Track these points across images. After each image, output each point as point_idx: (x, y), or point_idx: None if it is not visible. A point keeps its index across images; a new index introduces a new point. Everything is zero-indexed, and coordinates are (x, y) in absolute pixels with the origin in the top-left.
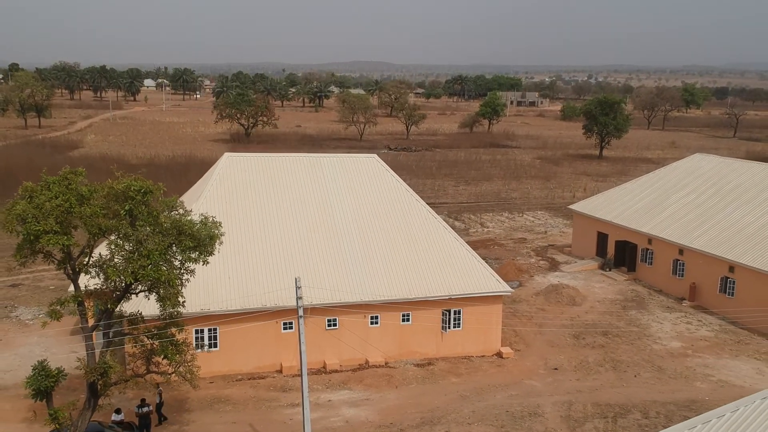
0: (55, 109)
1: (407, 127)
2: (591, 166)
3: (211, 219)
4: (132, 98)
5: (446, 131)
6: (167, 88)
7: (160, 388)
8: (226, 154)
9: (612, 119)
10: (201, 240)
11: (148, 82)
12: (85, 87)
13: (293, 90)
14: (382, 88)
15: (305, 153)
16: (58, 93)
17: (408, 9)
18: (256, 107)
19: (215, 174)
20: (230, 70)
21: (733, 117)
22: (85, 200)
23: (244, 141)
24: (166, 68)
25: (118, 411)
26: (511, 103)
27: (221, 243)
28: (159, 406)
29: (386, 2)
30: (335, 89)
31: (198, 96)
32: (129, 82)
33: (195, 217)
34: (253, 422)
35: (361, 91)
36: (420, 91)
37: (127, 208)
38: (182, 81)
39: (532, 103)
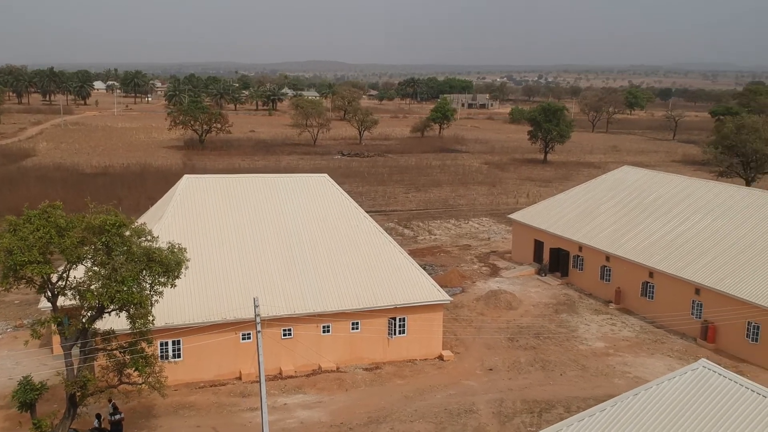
0: (4, 115)
1: (360, 132)
2: (535, 171)
3: (177, 246)
4: (82, 102)
5: (398, 136)
6: (118, 91)
7: (114, 402)
8: (186, 176)
9: (555, 125)
10: (169, 266)
11: (98, 84)
12: (32, 90)
13: (246, 93)
14: (336, 92)
15: (261, 161)
16: (5, 97)
17: (362, 9)
18: (209, 114)
19: (176, 195)
20: (181, 71)
21: (672, 120)
22: (64, 232)
23: (198, 147)
24: (116, 70)
25: (98, 416)
26: (462, 105)
27: (187, 268)
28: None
29: (340, 2)
30: (289, 92)
31: (149, 99)
32: (79, 85)
33: (163, 244)
34: (216, 426)
35: (315, 94)
36: (373, 92)
37: (103, 240)
38: (133, 84)
39: (483, 106)
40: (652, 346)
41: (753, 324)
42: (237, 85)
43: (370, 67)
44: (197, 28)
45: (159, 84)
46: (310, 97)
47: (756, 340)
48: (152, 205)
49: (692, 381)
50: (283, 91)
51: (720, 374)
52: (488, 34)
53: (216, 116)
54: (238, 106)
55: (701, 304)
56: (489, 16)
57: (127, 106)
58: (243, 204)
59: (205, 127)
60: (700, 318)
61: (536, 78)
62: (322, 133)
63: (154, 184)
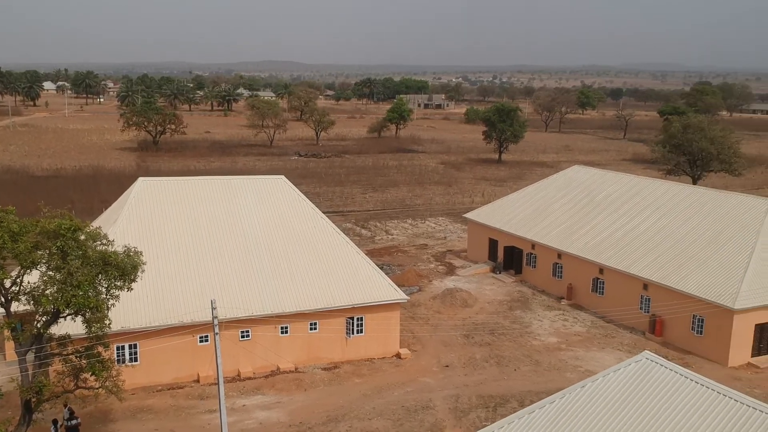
0: None
1: (317, 133)
2: (490, 170)
3: (133, 249)
4: (32, 103)
5: (355, 136)
6: (69, 92)
7: (69, 406)
8: (140, 179)
9: (509, 126)
10: (125, 269)
11: (48, 85)
12: None
13: (201, 93)
14: (292, 92)
15: (216, 162)
16: None
17: (318, 8)
18: (164, 115)
19: (130, 199)
20: (134, 71)
21: (622, 119)
22: (17, 236)
23: (152, 149)
24: (66, 70)
25: (54, 422)
26: (419, 105)
27: (143, 271)
28: (70, 426)
29: (296, 2)
30: (244, 92)
31: (101, 100)
32: (28, 86)
33: (119, 248)
34: (174, 428)
35: (271, 94)
36: (330, 93)
37: (58, 244)
38: (85, 85)
39: (439, 106)
40: (602, 340)
41: (698, 317)
42: (191, 85)
43: (326, 67)
44: (150, 27)
45: (111, 84)
46: (266, 98)
47: (701, 333)
48: (106, 208)
49: (636, 372)
50: (239, 91)
51: (662, 365)
52: (443, 35)
53: (170, 117)
54: (192, 106)
55: (649, 299)
56: (444, 17)
57: (81, 107)
58: (199, 206)
59: (159, 128)
60: (648, 312)
61: (491, 78)
62: (278, 134)
63: (108, 187)
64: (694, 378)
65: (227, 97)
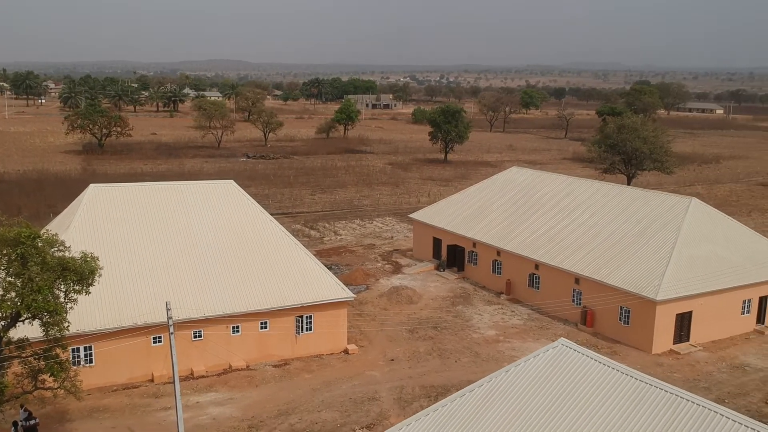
0: None
1: (265, 134)
2: (436, 170)
3: (90, 255)
4: None
5: (303, 137)
6: (8, 93)
7: (26, 407)
8: (92, 185)
9: (454, 126)
10: (83, 274)
11: None
12: None
13: (146, 94)
14: (239, 93)
15: (163, 165)
16: None
17: (265, 6)
18: (109, 117)
19: (82, 205)
20: (75, 70)
21: (564, 119)
22: None
23: (97, 152)
24: (5, 70)
25: (14, 424)
26: (367, 106)
27: (100, 275)
28: (29, 426)
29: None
30: (190, 92)
31: (43, 101)
32: None
33: (76, 253)
34: (131, 426)
35: (218, 94)
36: (278, 93)
37: (19, 251)
38: (25, 85)
39: (387, 106)
40: (537, 332)
41: (624, 308)
42: (136, 86)
43: (273, 67)
44: (91, 25)
45: (52, 85)
46: (212, 99)
47: (627, 323)
48: (53, 212)
49: (553, 357)
50: (185, 91)
51: (575, 350)
52: (391, 34)
53: (116, 120)
54: (137, 108)
55: (581, 292)
56: (391, 16)
57: (24, 110)
58: (150, 212)
59: (104, 130)
60: (580, 305)
61: (438, 78)
62: (226, 135)
63: (54, 191)
64: (602, 360)
65: (173, 98)
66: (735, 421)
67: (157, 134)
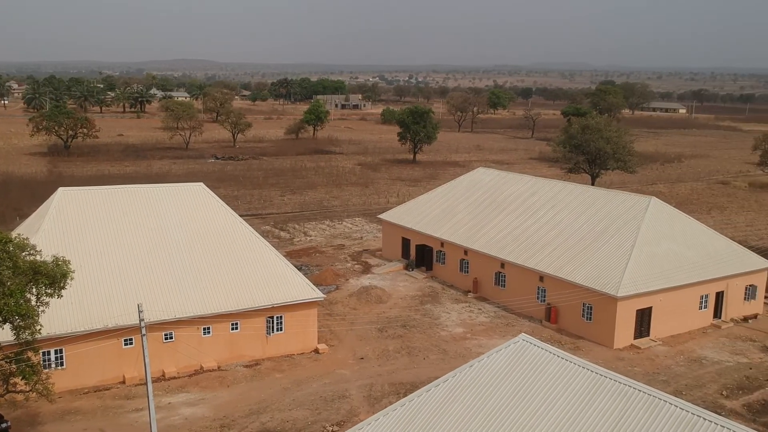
0: None
1: (234, 135)
2: (405, 171)
3: (62, 258)
4: None
5: (272, 138)
6: None
7: None
8: (61, 189)
9: (423, 127)
10: (55, 278)
11: None
12: None
13: (112, 95)
14: (207, 93)
15: (131, 167)
16: None
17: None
18: (75, 119)
19: (51, 208)
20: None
21: (530, 119)
22: None
23: (63, 154)
24: None
25: None
26: (336, 106)
27: (72, 279)
28: (2, 429)
29: None
30: (157, 93)
31: (6, 102)
32: None
33: (48, 257)
34: (103, 428)
35: (185, 95)
36: (246, 93)
37: None
38: None
39: (356, 106)
40: (503, 329)
41: (587, 305)
42: (101, 86)
43: (241, 66)
44: (55, 24)
45: (16, 86)
46: (180, 99)
47: (590, 319)
48: (19, 215)
49: (514, 352)
50: (152, 92)
51: (535, 345)
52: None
53: (82, 121)
54: (103, 108)
55: (545, 290)
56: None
57: None
58: (121, 215)
59: (70, 132)
60: (544, 302)
61: (407, 78)
62: (194, 137)
63: (20, 194)
64: (560, 354)
65: (140, 99)
66: (682, 409)
67: (124, 135)
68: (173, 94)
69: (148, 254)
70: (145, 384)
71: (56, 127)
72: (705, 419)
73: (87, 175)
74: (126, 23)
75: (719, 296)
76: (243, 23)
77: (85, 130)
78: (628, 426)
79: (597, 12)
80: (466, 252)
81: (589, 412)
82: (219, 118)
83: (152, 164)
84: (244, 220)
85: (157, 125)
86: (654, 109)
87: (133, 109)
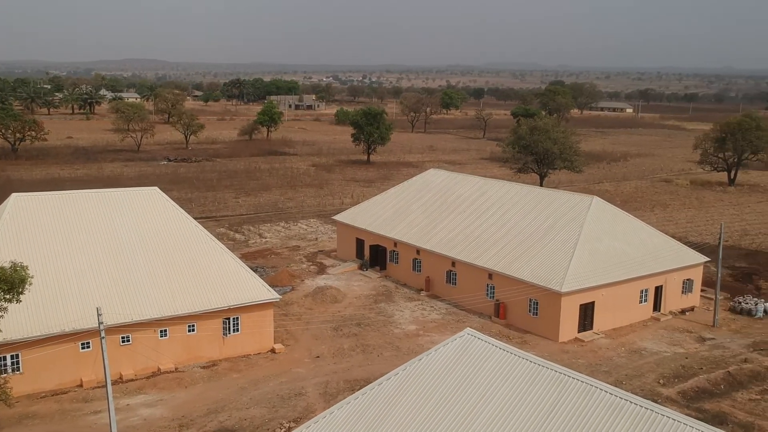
0: None
1: (186, 137)
2: (359, 172)
3: (19, 264)
4: None
5: (226, 139)
6: None
7: None
8: (14, 195)
9: (376, 128)
10: (13, 283)
11: None
12: None
13: (60, 96)
14: (158, 94)
15: (81, 169)
16: None
17: (181, 4)
18: (22, 121)
19: (4, 214)
20: None
21: (482, 120)
22: None
23: (11, 157)
24: None
25: None
26: (289, 107)
27: (30, 284)
28: None
29: None
30: (107, 94)
31: None
32: None
33: (6, 263)
34: (62, 431)
35: (136, 96)
36: (198, 93)
37: None
38: None
39: (310, 107)
40: (455, 325)
41: (533, 300)
42: (49, 87)
43: (192, 66)
44: None
45: None
46: (130, 100)
47: (536, 314)
48: None
49: (460, 345)
50: (101, 93)
51: (479, 338)
52: (314, 34)
53: (30, 123)
54: (51, 110)
55: (494, 287)
56: (313, 15)
57: None
58: (75, 220)
59: (18, 135)
60: (493, 298)
61: (361, 78)
62: (146, 138)
63: None
64: (501, 346)
65: (89, 100)
66: (612, 394)
67: (73, 138)
68: (123, 95)
69: (105, 259)
70: (105, 386)
71: (3, 130)
72: (632, 402)
73: (37, 179)
74: (72, 21)
75: (658, 290)
76: (193, 22)
77: (33, 133)
78: (563, 412)
79: (547, 14)
80: (418, 252)
81: (527, 400)
82: (171, 119)
83: (103, 167)
84: (199, 222)
85: (107, 127)
86: (602, 109)
87: (82, 111)
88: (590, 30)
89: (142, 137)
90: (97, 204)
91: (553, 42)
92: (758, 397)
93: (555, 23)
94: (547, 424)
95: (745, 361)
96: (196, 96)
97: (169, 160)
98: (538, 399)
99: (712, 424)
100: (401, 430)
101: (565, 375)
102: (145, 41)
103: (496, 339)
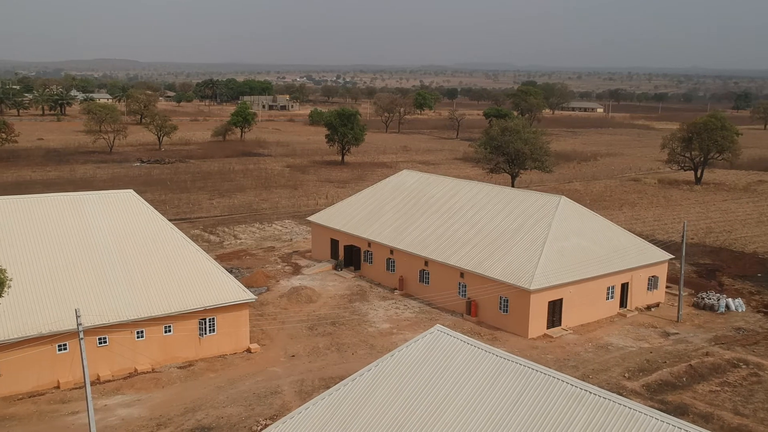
0: None
1: (159, 138)
2: (334, 172)
3: None
4: None
5: (199, 140)
6: None
7: None
8: None
9: (350, 129)
10: None
11: None
12: None
13: (30, 97)
14: (130, 95)
15: (53, 172)
16: None
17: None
18: None
19: None
20: None
21: (455, 120)
22: None
23: None
24: None
25: None
26: (263, 107)
27: (10, 287)
28: None
29: None
30: (78, 94)
31: None
32: None
33: None
34: (40, 431)
35: (107, 96)
36: (171, 94)
37: None
38: None
39: (283, 107)
40: (428, 323)
41: (503, 298)
42: (18, 87)
43: (164, 66)
44: None
45: None
46: (102, 101)
47: (506, 311)
48: None
49: (430, 341)
50: (72, 93)
51: (449, 335)
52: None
53: (0, 126)
54: (21, 111)
55: (465, 285)
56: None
57: None
58: (50, 223)
59: None
60: (465, 296)
61: (335, 78)
62: (118, 140)
63: None
64: (470, 342)
65: (60, 101)
66: (573, 386)
67: (44, 139)
68: (94, 95)
69: (80, 262)
70: (83, 387)
71: None
72: (592, 393)
73: (7, 182)
74: (41, 20)
75: (624, 287)
76: (165, 22)
77: (3, 135)
78: (527, 403)
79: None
80: (392, 251)
81: (492, 393)
82: (143, 120)
83: (75, 169)
84: (174, 224)
85: (78, 128)
86: (573, 109)
87: (52, 112)
88: (563, 30)
89: (114, 139)
90: (72, 207)
91: (526, 42)
92: (718, 388)
93: (528, 24)
94: (511, 416)
95: (707, 354)
96: (169, 97)
97: (142, 162)
98: (504, 392)
99: (674, 415)
100: (373, 424)
101: (529, 368)
102: (116, 41)
103: (468, 336)
